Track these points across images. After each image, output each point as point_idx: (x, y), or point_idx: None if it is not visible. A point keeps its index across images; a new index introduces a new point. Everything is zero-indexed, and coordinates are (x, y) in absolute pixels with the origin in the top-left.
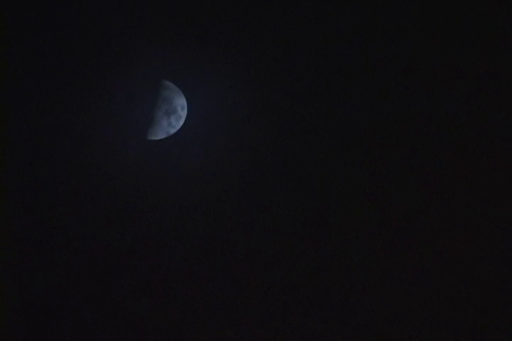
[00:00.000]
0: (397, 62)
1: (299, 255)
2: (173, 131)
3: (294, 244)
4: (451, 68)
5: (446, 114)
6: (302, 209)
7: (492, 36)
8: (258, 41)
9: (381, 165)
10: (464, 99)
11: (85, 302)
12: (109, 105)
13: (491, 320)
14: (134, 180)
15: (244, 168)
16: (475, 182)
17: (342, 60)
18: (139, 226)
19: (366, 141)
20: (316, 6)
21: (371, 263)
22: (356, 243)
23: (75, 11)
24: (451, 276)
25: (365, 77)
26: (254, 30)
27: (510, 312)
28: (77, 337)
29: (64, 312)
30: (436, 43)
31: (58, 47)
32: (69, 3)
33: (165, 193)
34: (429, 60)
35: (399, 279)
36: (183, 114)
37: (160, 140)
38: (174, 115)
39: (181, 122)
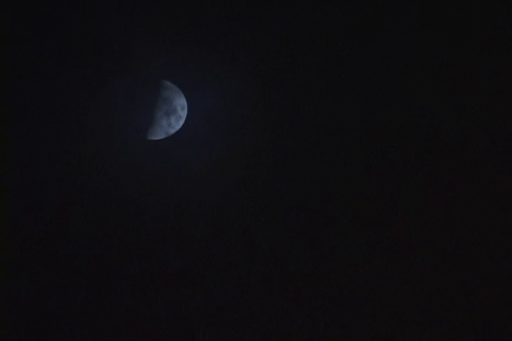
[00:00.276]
0: (398, 62)
1: (299, 255)
2: (173, 131)
3: (294, 244)
4: (451, 68)
5: (446, 114)
6: (303, 209)
7: (492, 36)
8: (258, 41)
9: (381, 165)
10: (465, 98)
11: (85, 303)
12: (109, 105)
13: (491, 320)
14: (134, 180)
15: (245, 168)
16: (475, 182)
17: (342, 59)
18: (139, 226)
19: (367, 141)
20: (316, 6)
21: (371, 263)
22: (356, 243)
23: (75, 10)
24: (451, 276)
25: (366, 77)
26: (255, 30)
27: (510, 312)
28: (77, 337)
29: (64, 312)
30: (436, 43)
31: (58, 47)
32: (69, 3)
33: (165, 193)
34: (430, 59)
35: (399, 279)
36: (183, 114)
37: (160, 140)
38: (174, 115)
39: (181, 122)
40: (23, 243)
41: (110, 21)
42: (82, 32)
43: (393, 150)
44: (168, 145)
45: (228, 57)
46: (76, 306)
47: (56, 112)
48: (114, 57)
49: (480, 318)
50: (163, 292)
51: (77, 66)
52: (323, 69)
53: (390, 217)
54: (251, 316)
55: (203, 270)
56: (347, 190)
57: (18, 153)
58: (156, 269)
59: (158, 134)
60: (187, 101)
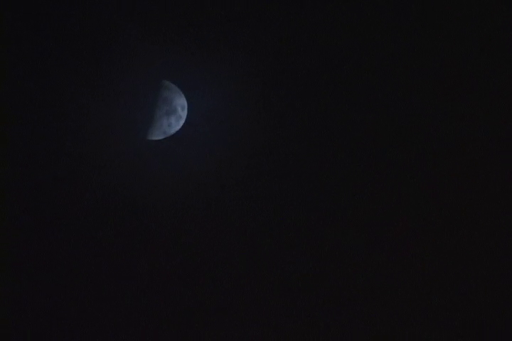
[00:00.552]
0: (398, 62)
1: (299, 255)
2: (173, 131)
3: (294, 243)
4: (451, 68)
5: (447, 114)
6: (303, 209)
7: (492, 36)
8: (258, 41)
9: (381, 165)
10: (465, 99)
11: (85, 303)
12: (109, 105)
13: (491, 320)
14: (134, 180)
15: (245, 168)
16: (475, 182)
17: (342, 60)
18: (139, 226)
19: (367, 141)
20: (316, 6)
21: (371, 263)
22: (356, 243)
23: (75, 10)
24: (452, 276)
25: (366, 77)
26: (255, 30)
27: (510, 312)
28: (77, 337)
29: (64, 312)
30: (436, 43)
31: (58, 47)
32: (69, 3)
33: (165, 193)
34: (430, 60)
35: (399, 279)
36: (183, 114)
37: (160, 140)
38: (174, 115)
39: (181, 122)
40: (23, 243)
41: (110, 21)
42: (82, 32)
43: (393, 150)
44: (168, 145)
45: (228, 57)
46: (76, 306)
47: (56, 112)
48: (114, 57)
49: (480, 318)
50: (163, 292)
51: (77, 66)
52: (324, 69)
53: (390, 217)
54: (251, 316)
55: (203, 270)
56: (347, 190)
57: (18, 153)
58: (156, 269)
59: (158, 134)
60: (187, 101)
